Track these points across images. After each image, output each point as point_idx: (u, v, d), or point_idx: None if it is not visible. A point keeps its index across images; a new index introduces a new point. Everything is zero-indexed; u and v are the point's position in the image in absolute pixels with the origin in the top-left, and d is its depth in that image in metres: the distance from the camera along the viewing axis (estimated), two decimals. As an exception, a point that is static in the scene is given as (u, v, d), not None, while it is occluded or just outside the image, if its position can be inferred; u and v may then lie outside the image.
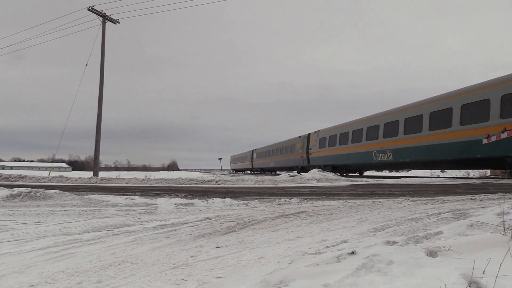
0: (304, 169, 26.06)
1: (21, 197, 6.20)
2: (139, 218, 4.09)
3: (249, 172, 45.91)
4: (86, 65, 19.05)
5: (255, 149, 41.62)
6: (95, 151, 19.31)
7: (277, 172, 32.90)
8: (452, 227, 2.79)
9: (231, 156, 62.76)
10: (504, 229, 2.21)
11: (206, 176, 15.56)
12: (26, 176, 16.26)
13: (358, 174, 22.42)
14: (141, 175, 19.57)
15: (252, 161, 42.78)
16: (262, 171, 39.23)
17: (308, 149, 25.88)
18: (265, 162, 37.16)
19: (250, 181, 13.05)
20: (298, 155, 27.62)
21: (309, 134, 26.19)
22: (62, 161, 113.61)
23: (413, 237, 2.52)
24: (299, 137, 28.36)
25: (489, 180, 11.48)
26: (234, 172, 56.17)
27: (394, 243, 2.32)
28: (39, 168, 73.83)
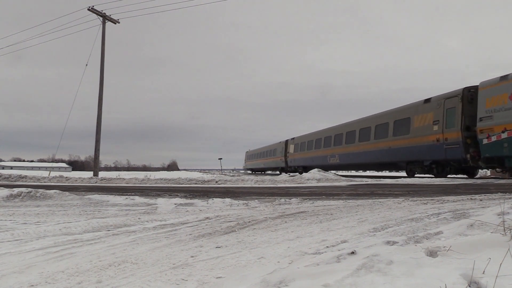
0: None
1: (21, 197, 6.19)
2: (139, 218, 4.09)
3: (278, 173, 31.05)
4: (86, 65, 19.07)
5: (293, 139, 30.58)
6: (95, 151, 19.31)
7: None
8: (452, 227, 2.79)
9: (247, 152, 53.05)
10: (504, 229, 2.21)
11: (206, 176, 15.57)
12: (26, 176, 16.26)
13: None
14: (141, 175, 19.57)
15: (286, 157, 31.66)
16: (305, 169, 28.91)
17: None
18: (306, 158, 27.75)
19: (250, 181, 13.04)
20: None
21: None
22: (62, 161, 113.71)
23: (413, 237, 2.52)
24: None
25: (489, 180, 11.48)
26: (251, 173, 42.64)
27: (394, 243, 2.32)
28: (39, 168, 73.84)
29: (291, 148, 29.76)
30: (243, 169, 62.38)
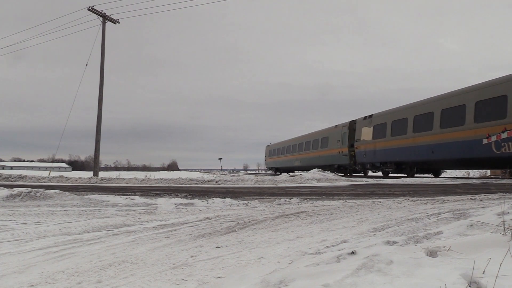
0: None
1: (21, 197, 6.19)
2: (139, 218, 4.09)
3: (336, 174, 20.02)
4: (86, 65, 19.07)
5: (367, 118, 19.07)
6: (95, 151, 19.31)
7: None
8: (452, 227, 2.79)
9: (268, 146, 38.51)
10: (504, 229, 2.21)
11: (206, 176, 15.57)
12: (26, 176, 16.26)
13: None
14: (141, 175, 19.57)
15: (351, 148, 20.32)
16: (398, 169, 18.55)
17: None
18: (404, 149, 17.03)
19: (250, 181, 13.05)
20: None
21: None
22: (62, 161, 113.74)
23: (413, 237, 2.52)
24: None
25: (489, 180, 11.48)
26: (276, 174, 29.89)
27: (394, 243, 2.32)
28: (39, 168, 73.85)
29: (365, 133, 18.44)
30: (264, 169, 50.14)
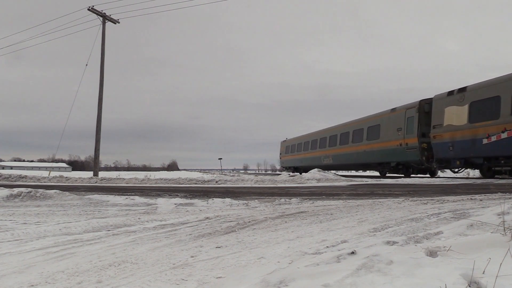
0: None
1: (21, 197, 6.19)
2: (139, 218, 4.09)
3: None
4: (86, 65, 19.08)
5: (453, 92, 13.35)
6: (95, 151, 19.31)
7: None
8: (452, 227, 2.79)
9: (284, 142, 33.08)
10: (504, 229, 2.21)
11: (206, 176, 15.56)
12: (26, 176, 16.26)
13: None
14: (141, 175, 19.57)
15: (421, 138, 14.61)
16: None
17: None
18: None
19: (250, 181, 13.04)
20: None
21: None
22: (62, 161, 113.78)
23: (413, 237, 2.52)
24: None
25: (489, 180, 11.48)
26: (293, 174, 16.40)
27: (394, 243, 2.32)
28: (39, 168, 73.82)
29: (453, 115, 12.95)
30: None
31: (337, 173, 15.52)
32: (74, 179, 15.30)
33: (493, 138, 11.19)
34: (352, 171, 26.31)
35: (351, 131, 20.44)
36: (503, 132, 10.85)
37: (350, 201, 5.58)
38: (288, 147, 31.81)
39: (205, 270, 2.04)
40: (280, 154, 34.05)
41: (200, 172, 57.51)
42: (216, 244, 2.69)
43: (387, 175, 18.38)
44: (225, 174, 23.35)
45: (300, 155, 28.43)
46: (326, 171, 16.36)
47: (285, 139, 33.25)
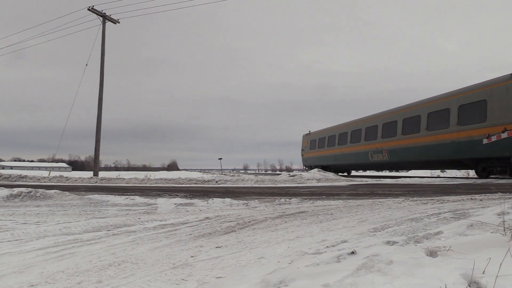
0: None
1: (21, 197, 6.19)
2: (139, 218, 4.09)
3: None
4: (86, 65, 19.07)
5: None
6: (95, 151, 19.31)
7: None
8: (452, 227, 2.79)
9: (307, 135, 26.97)
10: (504, 229, 2.21)
11: (206, 176, 15.55)
12: (26, 176, 16.25)
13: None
14: (141, 175, 19.57)
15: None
16: None
17: None
18: None
19: (250, 181, 13.04)
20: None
21: None
22: (62, 161, 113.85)
23: (413, 237, 2.52)
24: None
25: (489, 180, 11.48)
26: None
27: (394, 243, 2.32)
28: (39, 168, 73.88)
29: None
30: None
31: (398, 173, 10.32)
32: (74, 179, 15.30)
33: None
34: (422, 170, 18.91)
35: (424, 114, 14.30)
36: None
37: (350, 201, 5.58)
38: (314, 141, 25.12)
39: (205, 270, 2.04)
40: (302, 150, 27.41)
41: (200, 172, 57.42)
42: (216, 244, 2.69)
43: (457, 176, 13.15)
44: (225, 174, 23.34)
45: (333, 150, 22.19)
46: (373, 171, 11.82)
47: (308, 131, 26.96)
